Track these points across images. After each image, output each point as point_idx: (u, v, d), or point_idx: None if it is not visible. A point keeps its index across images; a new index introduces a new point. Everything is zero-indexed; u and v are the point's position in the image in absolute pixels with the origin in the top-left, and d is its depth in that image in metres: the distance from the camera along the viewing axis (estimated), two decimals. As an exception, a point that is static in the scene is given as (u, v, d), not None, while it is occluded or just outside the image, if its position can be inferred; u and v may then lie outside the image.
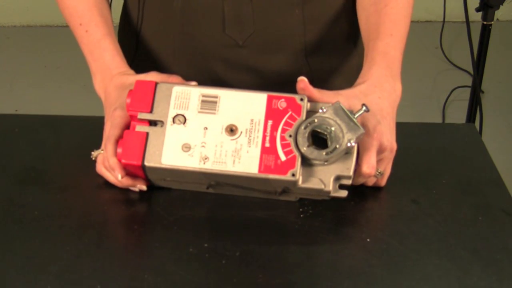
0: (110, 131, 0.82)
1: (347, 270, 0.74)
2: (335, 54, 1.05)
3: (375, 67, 0.85)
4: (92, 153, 0.86)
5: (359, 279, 0.73)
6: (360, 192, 0.84)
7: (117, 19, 1.03)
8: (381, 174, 0.83)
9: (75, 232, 0.79)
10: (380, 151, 0.80)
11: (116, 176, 0.81)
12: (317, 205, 0.82)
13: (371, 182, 0.84)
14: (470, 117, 1.96)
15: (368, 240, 0.78)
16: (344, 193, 0.78)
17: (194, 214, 0.82)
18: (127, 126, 0.82)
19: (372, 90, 0.83)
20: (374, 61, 0.86)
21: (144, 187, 0.83)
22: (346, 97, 0.80)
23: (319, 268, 0.75)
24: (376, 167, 0.79)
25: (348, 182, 0.78)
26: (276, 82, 1.02)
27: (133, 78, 0.87)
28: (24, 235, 0.79)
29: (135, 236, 0.80)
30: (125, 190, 0.84)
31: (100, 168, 0.85)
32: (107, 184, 0.85)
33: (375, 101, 0.81)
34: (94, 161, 0.86)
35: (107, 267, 0.74)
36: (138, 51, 1.05)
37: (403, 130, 0.86)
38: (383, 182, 0.85)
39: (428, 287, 0.73)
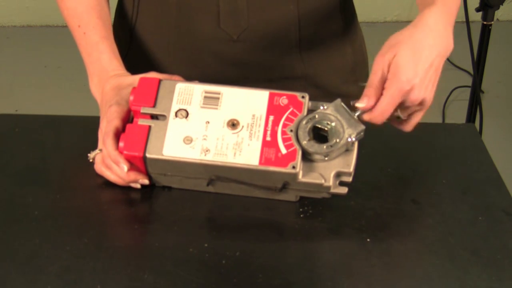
0: (107, 126, 0.82)
1: (347, 270, 0.75)
2: (330, 50, 1.05)
3: (433, 8, 0.81)
4: (89, 155, 0.86)
5: (359, 279, 0.73)
6: (360, 192, 0.84)
7: (112, 14, 1.03)
8: (400, 119, 0.81)
9: (75, 232, 0.79)
10: (408, 103, 0.78)
11: (122, 168, 0.81)
12: (317, 205, 0.82)
13: (390, 120, 0.82)
14: (470, 117, 1.96)
15: (368, 240, 0.78)
16: (344, 190, 0.78)
17: (194, 214, 0.82)
18: (123, 121, 0.82)
19: (424, 35, 0.79)
20: (433, 4, 0.81)
21: (146, 181, 0.83)
22: (390, 46, 0.78)
23: (319, 268, 0.75)
24: (387, 116, 0.78)
25: (349, 179, 0.79)
26: (270, 77, 1.03)
27: (131, 78, 0.87)
28: (24, 235, 0.79)
29: (135, 236, 0.80)
30: (125, 190, 0.84)
31: (100, 168, 0.85)
32: (107, 184, 0.85)
33: (424, 49, 0.78)
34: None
35: (107, 267, 0.74)
36: (132, 46, 1.06)
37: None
38: (407, 128, 0.83)
39: (428, 287, 0.73)
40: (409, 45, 0.78)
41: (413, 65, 0.77)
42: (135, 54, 1.05)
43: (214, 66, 1.02)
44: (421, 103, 0.80)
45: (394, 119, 0.83)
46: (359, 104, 0.78)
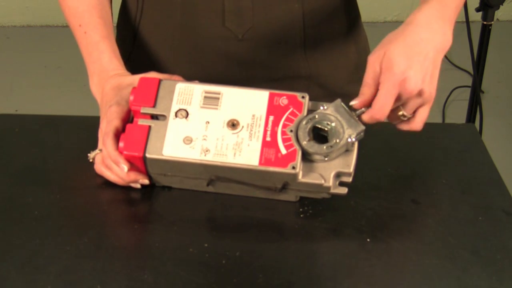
0: (107, 127, 0.82)
1: (347, 270, 0.75)
2: (334, 49, 1.05)
3: (425, 6, 0.81)
4: (89, 155, 0.86)
5: (359, 279, 0.73)
6: (360, 192, 0.84)
7: (116, 14, 1.03)
8: (405, 117, 0.81)
9: (75, 232, 0.79)
10: (405, 95, 0.78)
11: (122, 169, 0.81)
12: (317, 205, 0.82)
13: (395, 122, 0.82)
14: (470, 117, 1.96)
15: (368, 240, 0.78)
16: (344, 190, 0.78)
17: (194, 214, 0.82)
18: (123, 122, 0.82)
19: (416, 31, 0.80)
20: (426, 2, 0.82)
21: (146, 181, 0.83)
22: (383, 45, 0.79)
23: (319, 268, 0.75)
24: (387, 110, 0.77)
25: (349, 179, 0.79)
26: (275, 76, 1.02)
27: (130, 78, 0.87)
28: (24, 235, 0.79)
29: (135, 236, 0.80)
30: (125, 190, 0.84)
31: (100, 168, 0.85)
32: (107, 184, 0.85)
33: (417, 43, 0.79)
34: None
35: (107, 267, 0.74)
36: (135, 45, 1.06)
37: (403, 130, 0.86)
38: (415, 126, 0.82)
39: (428, 287, 0.73)
40: (400, 40, 0.79)
41: (405, 58, 0.77)
42: (139, 53, 1.05)
43: (219, 65, 1.02)
44: (420, 94, 0.79)
45: (401, 120, 0.82)
46: (354, 102, 0.79)
